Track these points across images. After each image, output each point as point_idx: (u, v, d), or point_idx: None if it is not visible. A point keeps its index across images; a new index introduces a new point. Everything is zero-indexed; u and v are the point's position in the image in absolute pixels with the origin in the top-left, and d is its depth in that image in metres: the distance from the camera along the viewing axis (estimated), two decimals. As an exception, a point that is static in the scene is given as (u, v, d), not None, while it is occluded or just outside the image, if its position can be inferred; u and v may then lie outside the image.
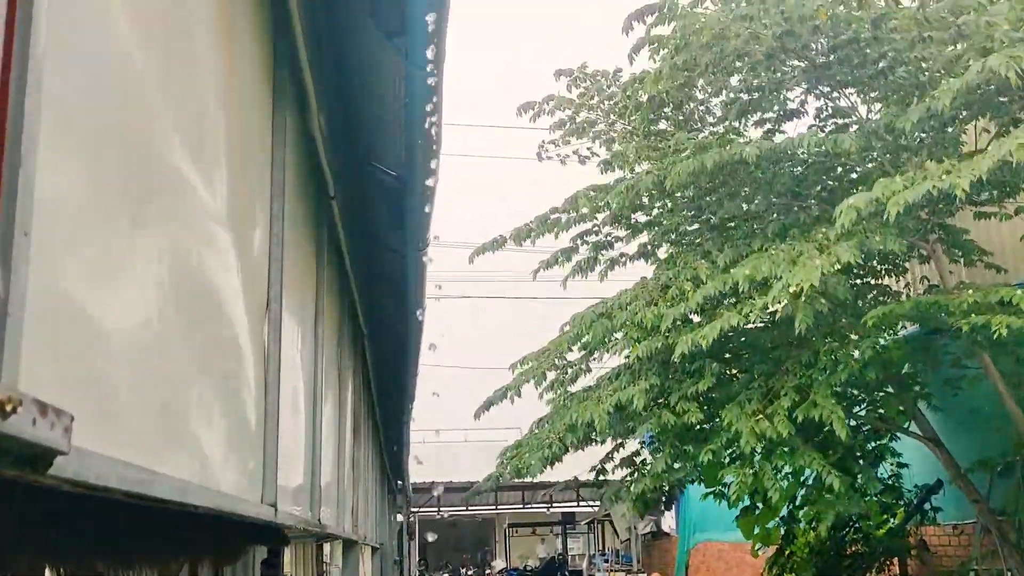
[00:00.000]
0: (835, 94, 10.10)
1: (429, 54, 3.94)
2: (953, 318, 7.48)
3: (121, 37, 1.80)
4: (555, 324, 11.63)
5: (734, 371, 10.39)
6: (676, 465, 9.93)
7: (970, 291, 7.62)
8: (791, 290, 7.00)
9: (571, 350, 10.91)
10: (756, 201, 10.28)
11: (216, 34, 2.76)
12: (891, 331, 9.38)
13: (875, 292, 10.63)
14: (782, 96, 10.13)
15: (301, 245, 4.48)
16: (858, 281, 10.52)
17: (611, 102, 11.78)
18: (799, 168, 9.85)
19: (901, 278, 11.24)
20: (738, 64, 9.44)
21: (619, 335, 10.29)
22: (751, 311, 7.81)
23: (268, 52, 3.68)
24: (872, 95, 9.95)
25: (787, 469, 9.60)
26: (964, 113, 8.66)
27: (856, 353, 8.22)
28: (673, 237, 11.54)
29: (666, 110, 10.83)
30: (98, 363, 1.61)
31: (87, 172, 1.60)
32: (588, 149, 11.94)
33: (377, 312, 8.44)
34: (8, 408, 0.94)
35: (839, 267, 7.06)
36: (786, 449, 8.55)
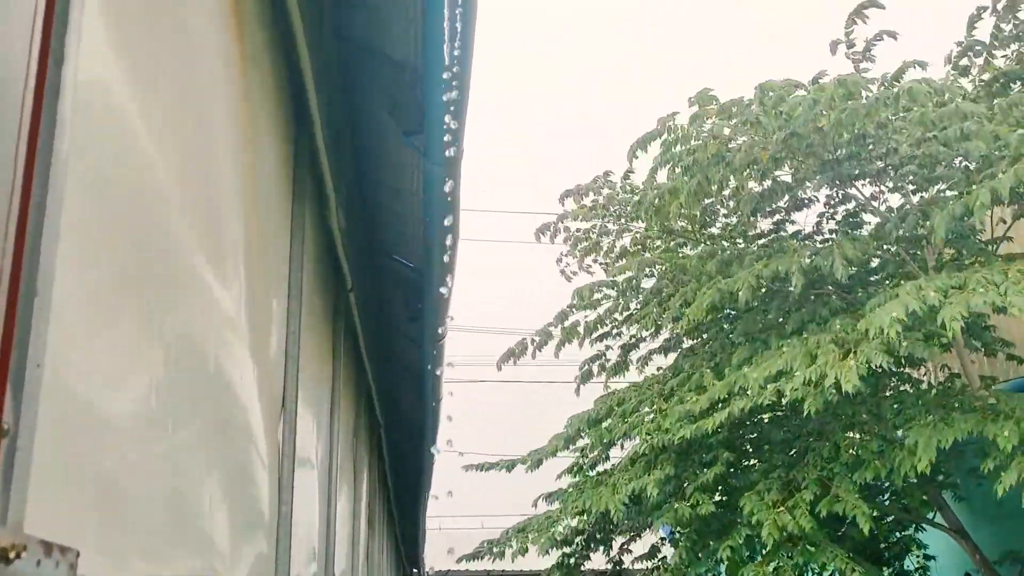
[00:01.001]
0: (847, 185, 10.17)
1: (447, 152, 3.99)
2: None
3: (140, 141, 1.82)
4: (572, 408, 11.60)
5: (751, 460, 10.28)
6: (698, 558, 9.71)
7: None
8: (826, 384, 7.02)
9: (578, 440, 10.90)
10: (772, 304, 10.28)
11: (237, 133, 2.79)
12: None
13: (895, 381, 10.49)
14: (792, 192, 10.24)
15: (317, 340, 4.47)
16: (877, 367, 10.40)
17: (623, 207, 11.96)
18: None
19: (921, 366, 11.11)
20: (748, 170, 9.58)
21: (625, 428, 10.34)
22: (762, 397, 7.74)
23: (288, 149, 3.73)
24: (887, 186, 10.03)
25: (811, 566, 9.36)
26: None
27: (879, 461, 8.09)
28: (693, 334, 11.56)
29: (680, 210, 10.93)
30: (109, 483, 1.58)
31: (104, 286, 1.60)
32: (599, 262, 12.11)
33: (393, 402, 8.39)
34: (12, 555, 0.91)
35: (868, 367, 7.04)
36: (809, 545, 8.34)
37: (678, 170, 9.66)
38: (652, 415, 9.54)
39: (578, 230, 12.10)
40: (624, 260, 11.56)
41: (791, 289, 9.88)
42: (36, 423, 1.15)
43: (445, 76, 3.63)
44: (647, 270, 11.39)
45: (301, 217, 3.82)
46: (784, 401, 8.07)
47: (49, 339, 1.21)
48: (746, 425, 9.20)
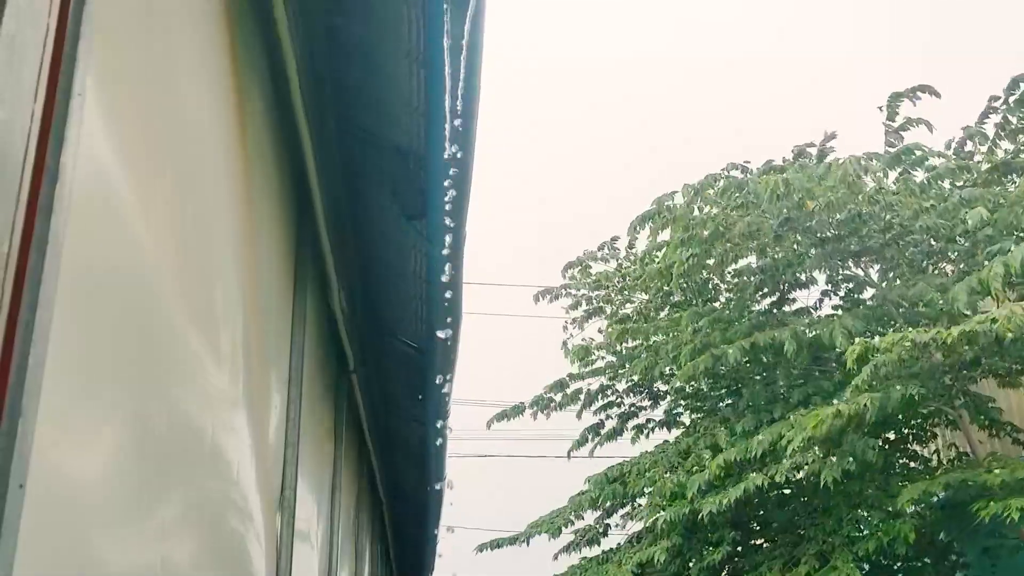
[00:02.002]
0: (848, 264, 10.24)
1: (448, 237, 4.00)
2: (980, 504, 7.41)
3: (139, 226, 1.81)
4: (572, 483, 11.54)
5: (758, 540, 10.25)
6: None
7: (997, 470, 7.52)
8: (810, 432, 7.11)
9: (583, 516, 10.85)
10: (776, 373, 10.32)
11: (238, 219, 2.80)
12: (924, 501, 9.19)
13: (904, 459, 10.41)
14: (793, 269, 10.34)
15: (318, 423, 4.43)
16: (885, 445, 10.34)
17: (625, 279, 12.08)
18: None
19: (930, 443, 11.02)
20: (749, 238, 9.70)
21: (643, 500, 10.29)
22: (777, 472, 7.76)
23: (290, 234, 3.74)
24: (887, 262, 10.09)
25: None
26: None
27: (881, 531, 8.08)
28: (695, 404, 11.59)
29: (681, 282, 11.02)
30: (99, 572, 1.54)
31: (98, 372, 1.58)
32: (601, 330, 12.18)
33: (396, 480, 8.30)
34: None
35: (862, 414, 7.15)
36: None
37: (677, 249, 9.81)
38: (670, 473, 9.59)
39: (583, 296, 12.21)
40: (626, 325, 11.63)
41: (793, 363, 9.92)
42: (22, 511, 1.13)
43: (447, 162, 3.66)
44: (646, 339, 11.46)
45: (303, 301, 3.82)
46: (801, 473, 8.10)
47: (38, 429, 1.19)
48: (752, 503, 9.13)
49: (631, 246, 11.98)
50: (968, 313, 8.42)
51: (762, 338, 8.64)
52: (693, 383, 10.12)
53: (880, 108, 9.99)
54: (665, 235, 10.51)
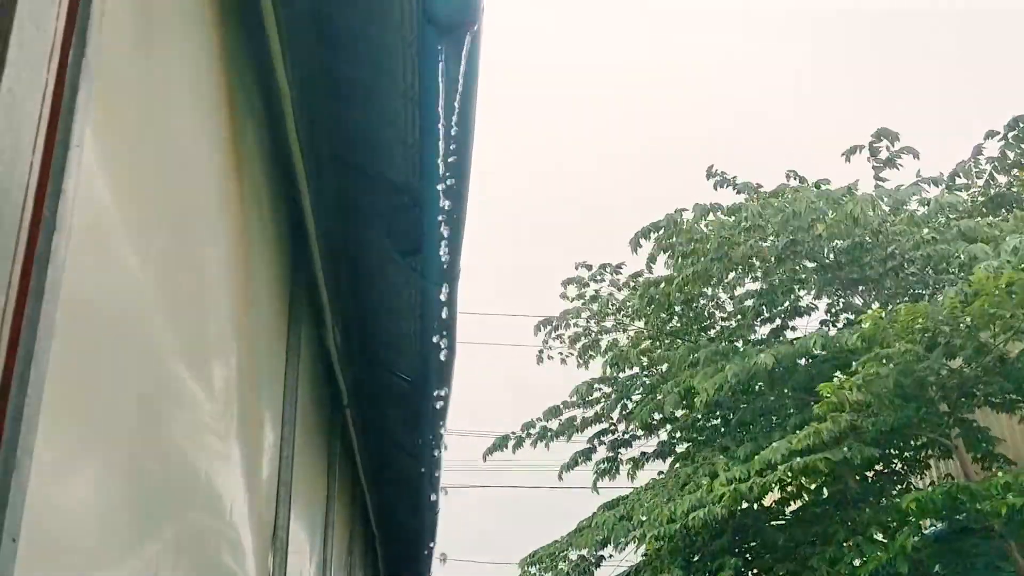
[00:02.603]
0: (848, 292, 10.29)
1: (443, 273, 4.01)
2: (984, 505, 7.45)
3: (135, 263, 1.81)
4: (566, 513, 11.51)
5: (759, 568, 10.25)
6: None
7: (1000, 473, 7.64)
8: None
9: (583, 552, 10.84)
10: (772, 398, 10.36)
11: (233, 260, 2.80)
12: (919, 532, 9.16)
13: (901, 488, 10.40)
14: (793, 295, 10.42)
15: (312, 460, 4.41)
16: (881, 473, 10.36)
17: (622, 303, 12.12)
18: (813, 368, 9.94)
19: (925, 474, 11.02)
20: (750, 265, 9.77)
21: (638, 532, 10.31)
22: (768, 483, 7.85)
23: (285, 273, 3.74)
24: (885, 292, 10.16)
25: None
26: None
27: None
28: (692, 435, 11.59)
29: (677, 308, 11.06)
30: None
31: (91, 415, 1.57)
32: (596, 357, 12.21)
33: (390, 513, 8.25)
34: None
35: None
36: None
37: (678, 259, 9.87)
38: (669, 500, 9.64)
39: (577, 326, 12.24)
40: (623, 352, 11.67)
41: (789, 393, 9.96)
42: (14, 566, 1.12)
43: (441, 199, 3.68)
44: (643, 369, 11.50)
45: (297, 338, 3.81)
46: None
47: (32, 479, 1.19)
48: (750, 529, 9.15)
49: (618, 271, 12.01)
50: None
51: (764, 358, 8.69)
52: (690, 411, 10.15)
53: (856, 149, 10.09)
54: (662, 259, 10.59)
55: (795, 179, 10.75)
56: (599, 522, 10.57)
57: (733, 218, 9.48)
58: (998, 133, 9.89)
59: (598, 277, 12.42)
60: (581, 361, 12.21)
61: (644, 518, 9.85)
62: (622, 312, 12.11)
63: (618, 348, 11.84)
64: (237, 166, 2.83)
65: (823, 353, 9.07)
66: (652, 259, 10.68)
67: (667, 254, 10.29)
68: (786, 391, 10.07)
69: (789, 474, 7.71)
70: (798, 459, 7.66)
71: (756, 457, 8.19)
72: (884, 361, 7.43)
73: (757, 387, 10.11)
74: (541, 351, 12.32)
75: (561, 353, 12.33)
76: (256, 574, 3.03)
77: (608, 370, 11.65)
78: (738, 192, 10.20)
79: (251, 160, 3.05)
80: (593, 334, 12.21)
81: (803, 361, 9.80)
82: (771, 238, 9.15)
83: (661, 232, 10.04)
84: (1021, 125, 9.63)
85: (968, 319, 7.16)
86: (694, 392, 9.15)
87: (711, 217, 9.79)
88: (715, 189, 10.26)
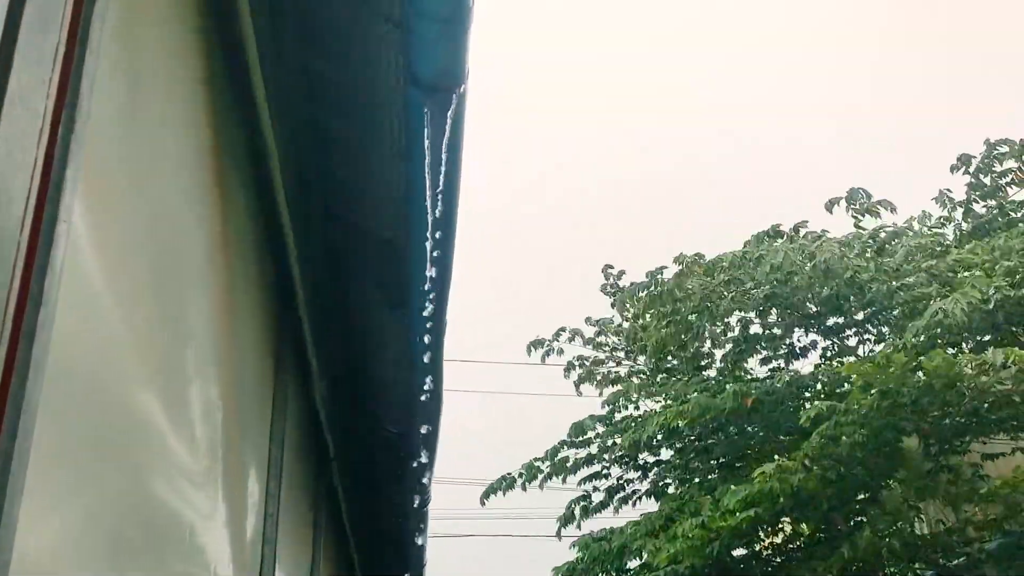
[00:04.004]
0: (837, 336, 10.39)
1: (430, 326, 4.02)
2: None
3: (119, 317, 1.81)
4: (557, 561, 11.43)
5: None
6: None
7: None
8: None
9: None
10: (754, 439, 10.41)
11: (219, 316, 2.80)
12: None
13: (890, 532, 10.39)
14: (786, 340, 10.52)
15: (297, 515, 4.37)
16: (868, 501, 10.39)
17: (616, 345, 12.17)
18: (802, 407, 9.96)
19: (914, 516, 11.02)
20: (734, 314, 9.88)
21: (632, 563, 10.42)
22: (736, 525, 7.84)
23: (271, 327, 3.74)
24: (872, 336, 10.27)
25: None
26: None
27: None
28: (681, 475, 11.61)
29: (672, 348, 11.12)
30: None
31: (73, 468, 1.57)
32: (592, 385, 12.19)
33: (376, 566, 8.16)
34: None
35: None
36: None
37: (659, 320, 9.97)
38: (653, 538, 9.66)
39: (576, 357, 12.25)
40: (619, 387, 11.71)
41: (781, 436, 9.97)
42: None
43: (429, 253, 3.70)
44: (636, 407, 11.53)
45: (283, 392, 3.80)
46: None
47: (17, 540, 1.18)
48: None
49: (621, 313, 12.04)
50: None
51: (744, 388, 8.76)
52: (677, 445, 10.17)
53: (836, 201, 10.25)
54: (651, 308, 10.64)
55: (780, 233, 10.88)
56: (579, 547, 10.68)
57: (711, 278, 9.61)
58: (960, 167, 10.11)
59: (590, 324, 12.47)
60: (576, 383, 12.18)
61: (626, 543, 9.98)
62: (615, 348, 12.17)
63: (614, 376, 11.89)
64: (224, 224, 2.84)
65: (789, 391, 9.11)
66: (636, 318, 10.84)
67: (650, 314, 10.40)
68: (780, 435, 10.11)
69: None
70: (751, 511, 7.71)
71: (717, 503, 8.22)
72: (841, 425, 7.51)
73: (731, 428, 10.16)
74: (547, 352, 12.22)
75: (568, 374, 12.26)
76: (240, 636, 3.00)
77: (603, 406, 11.68)
78: (709, 275, 10.28)
79: (238, 218, 3.06)
80: (587, 365, 12.23)
81: (791, 403, 9.82)
82: (752, 291, 9.25)
83: (644, 293, 10.19)
84: (993, 151, 9.78)
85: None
86: (674, 426, 9.27)
87: (690, 282, 9.89)
88: (676, 263, 10.36)
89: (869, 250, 10.00)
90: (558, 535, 11.90)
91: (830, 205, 10.20)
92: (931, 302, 8.23)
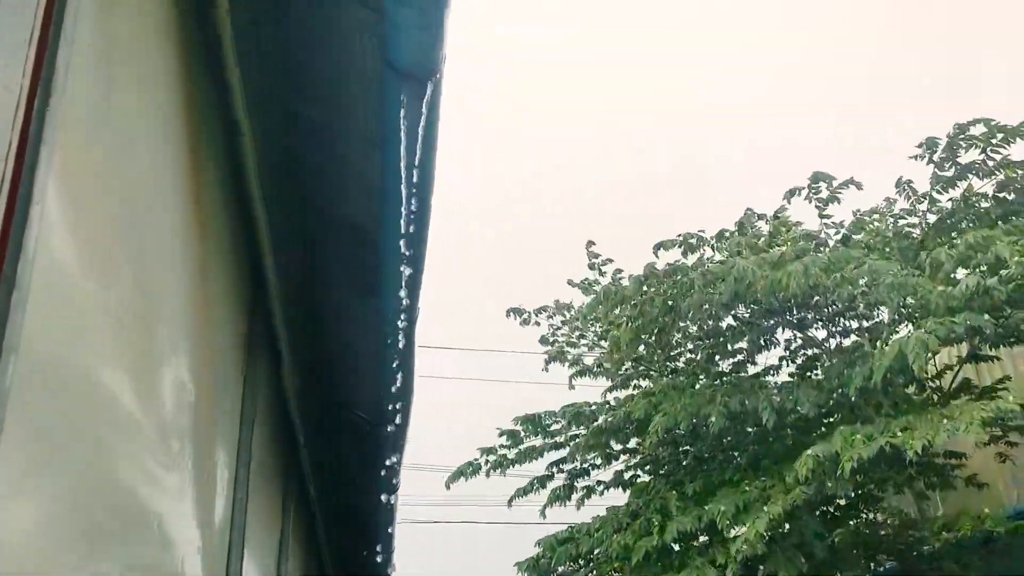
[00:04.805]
0: (802, 329, 10.43)
1: (403, 314, 4.02)
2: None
3: (90, 302, 1.81)
4: (524, 549, 11.45)
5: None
6: None
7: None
8: (757, 531, 7.21)
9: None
10: (728, 438, 10.42)
11: (190, 303, 2.80)
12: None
13: (854, 525, 10.51)
14: (749, 335, 10.52)
15: (266, 500, 4.37)
16: (835, 513, 10.45)
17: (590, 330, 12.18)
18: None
19: (876, 508, 11.15)
20: (701, 311, 9.87)
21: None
22: (729, 562, 7.78)
23: (243, 315, 3.74)
24: (837, 329, 10.32)
25: None
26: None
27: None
28: (648, 468, 11.62)
29: (644, 336, 11.09)
30: None
31: (42, 449, 1.57)
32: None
33: (344, 552, 8.17)
34: None
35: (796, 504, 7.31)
36: None
37: (626, 322, 9.96)
38: (618, 534, 9.63)
39: (550, 325, 12.26)
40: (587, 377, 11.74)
41: (748, 429, 10.04)
42: None
43: (402, 242, 3.70)
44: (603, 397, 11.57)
45: (254, 378, 3.80)
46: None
47: None
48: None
49: (583, 322, 12.08)
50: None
51: (734, 403, 8.71)
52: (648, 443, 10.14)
53: (796, 191, 10.27)
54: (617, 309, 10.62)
55: (756, 217, 10.90)
56: (543, 547, 10.63)
57: (675, 278, 9.61)
58: (923, 157, 9.93)
59: (553, 312, 12.46)
60: (547, 360, 12.20)
61: (597, 550, 9.93)
62: (591, 332, 12.17)
63: (586, 372, 11.91)
64: (197, 210, 2.84)
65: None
66: (602, 336, 10.87)
67: (617, 314, 10.39)
68: (747, 428, 10.14)
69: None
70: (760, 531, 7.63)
71: (717, 510, 8.16)
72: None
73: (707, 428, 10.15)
74: (524, 321, 12.18)
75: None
76: (207, 620, 3.00)
77: (569, 416, 11.66)
78: (685, 254, 10.28)
79: (211, 204, 3.06)
80: (561, 343, 12.23)
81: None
82: (714, 295, 9.27)
83: (608, 302, 10.16)
84: (938, 144, 9.71)
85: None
86: (645, 424, 9.19)
87: (648, 286, 9.88)
88: (656, 253, 10.35)
89: (832, 240, 10.06)
90: (509, 504, 11.91)
91: (790, 195, 10.20)
92: (895, 296, 8.29)
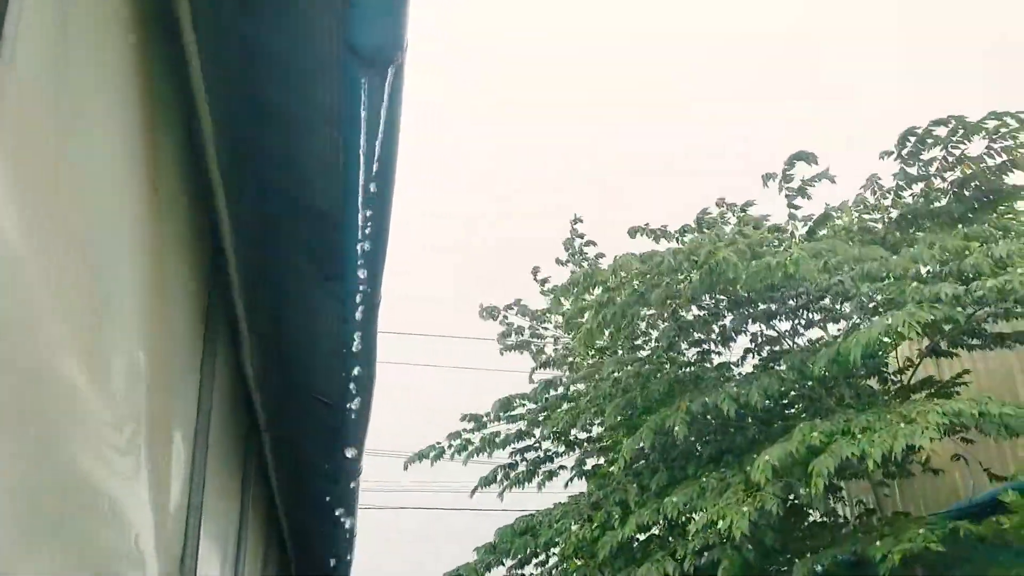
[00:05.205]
0: (768, 322, 10.51)
1: (364, 298, 4.01)
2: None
3: (39, 278, 1.80)
4: (485, 535, 11.48)
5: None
6: None
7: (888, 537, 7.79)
8: (721, 527, 7.20)
9: (489, 570, 10.87)
10: (691, 437, 10.46)
11: (145, 282, 2.78)
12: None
13: (810, 522, 10.62)
14: (715, 325, 10.58)
15: (225, 484, 4.35)
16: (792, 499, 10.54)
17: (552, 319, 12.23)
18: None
19: (836, 496, 11.28)
20: (666, 305, 9.92)
21: (555, 550, 10.42)
22: (686, 555, 7.84)
23: (202, 297, 3.71)
24: (802, 321, 10.41)
25: None
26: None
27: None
28: (611, 456, 11.68)
29: (609, 328, 11.12)
30: None
31: None
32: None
33: (305, 536, 8.15)
34: None
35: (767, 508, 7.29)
36: None
37: (596, 309, 9.96)
38: (578, 526, 9.68)
39: (511, 324, 12.32)
40: (549, 368, 11.80)
41: (710, 418, 10.10)
42: None
43: (364, 226, 3.69)
44: (567, 389, 11.62)
45: (212, 361, 3.78)
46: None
47: None
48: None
49: (552, 311, 12.11)
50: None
51: (695, 406, 8.74)
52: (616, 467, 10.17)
53: (771, 176, 10.32)
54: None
55: (724, 207, 10.94)
56: (502, 535, 10.65)
57: (647, 264, 9.62)
58: (892, 152, 10.05)
59: (518, 311, 12.56)
60: (502, 350, 12.24)
61: (558, 540, 9.97)
62: (555, 324, 12.24)
63: (546, 359, 11.97)
64: (154, 190, 2.81)
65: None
66: (573, 318, 10.87)
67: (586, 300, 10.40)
68: (708, 427, 10.21)
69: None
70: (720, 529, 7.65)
71: (671, 501, 8.21)
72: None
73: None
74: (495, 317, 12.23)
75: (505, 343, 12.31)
76: (161, 602, 2.99)
77: (538, 391, 11.70)
78: (656, 240, 10.34)
79: (169, 184, 3.03)
80: (524, 335, 12.30)
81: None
82: (688, 280, 9.30)
83: (577, 288, 10.17)
84: (911, 140, 9.80)
85: None
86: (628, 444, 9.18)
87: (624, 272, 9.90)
88: (631, 237, 10.39)
89: (798, 234, 10.14)
90: (471, 494, 11.93)
91: (766, 179, 10.23)
92: (861, 291, 8.38)
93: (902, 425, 6.98)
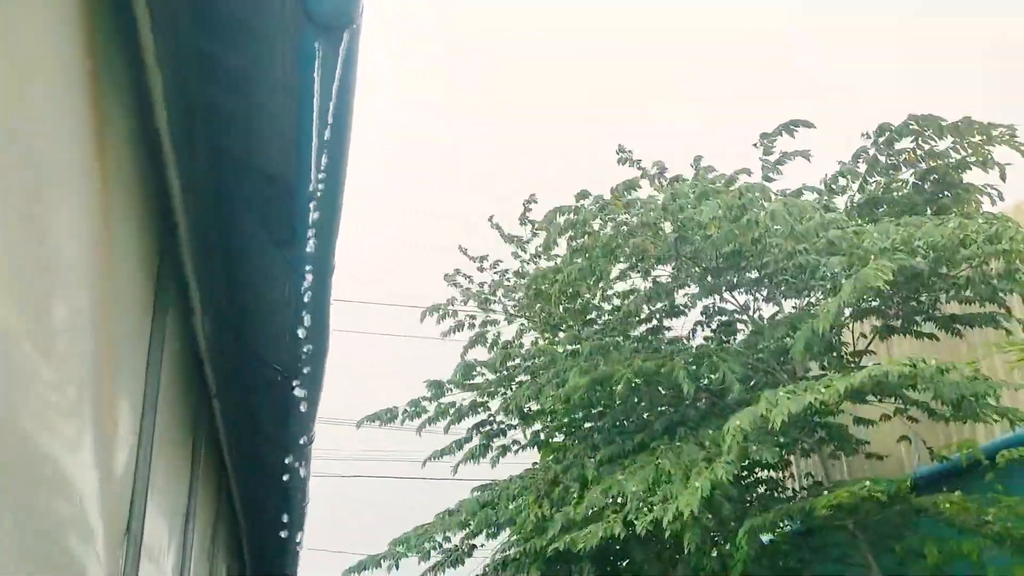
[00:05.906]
0: (725, 294, 10.64)
1: (317, 264, 3.99)
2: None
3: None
4: (441, 503, 11.53)
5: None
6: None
7: (840, 490, 7.99)
8: (679, 509, 7.31)
9: (450, 538, 10.94)
10: (642, 402, 10.57)
11: (91, 244, 2.74)
12: (778, 527, 9.55)
13: (764, 488, 10.82)
14: (673, 294, 10.66)
15: (174, 450, 4.32)
16: (745, 474, 10.70)
17: (509, 294, 12.18)
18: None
19: (786, 472, 11.49)
20: (635, 263, 9.95)
21: (505, 533, 10.51)
22: (641, 523, 7.92)
23: (152, 260, 3.66)
24: (761, 295, 10.55)
25: None
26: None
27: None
28: (568, 429, 11.76)
29: (562, 302, 11.12)
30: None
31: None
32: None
33: (256, 503, 8.13)
34: None
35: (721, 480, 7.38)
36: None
37: (570, 253, 9.92)
38: (538, 499, 9.76)
39: (465, 315, 12.23)
40: (507, 350, 11.79)
41: (662, 390, 10.20)
42: None
43: (317, 192, 3.66)
44: (523, 357, 11.64)
45: (161, 326, 3.74)
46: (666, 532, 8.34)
47: None
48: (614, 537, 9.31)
49: (534, 233, 11.82)
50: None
51: (648, 366, 8.79)
52: (565, 405, 10.17)
53: (755, 145, 10.46)
54: (561, 246, 10.52)
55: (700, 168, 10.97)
56: (465, 506, 10.68)
57: (627, 214, 9.59)
58: (869, 138, 10.31)
59: (481, 268, 12.42)
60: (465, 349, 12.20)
61: (512, 516, 10.02)
62: (510, 303, 12.17)
63: (503, 344, 11.93)
64: (101, 149, 2.76)
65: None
66: (548, 247, 10.70)
67: (567, 237, 10.21)
68: (659, 396, 10.31)
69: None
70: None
71: (630, 490, 8.27)
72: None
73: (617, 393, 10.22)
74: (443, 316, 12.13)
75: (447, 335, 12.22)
76: (106, 565, 2.97)
77: (495, 363, 11.69)
78: (642, 176, 10.33)
79: (117, 144, 2.98)
80: (477, 325, 12.23)
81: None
82: (663, 232, 9.33)
83: (565, 218, 10.00)
84: (888, 133, 10.06)
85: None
86: (569, 386, 9.23)
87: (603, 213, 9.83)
88: (620, 164, 10.36)
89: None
90: (423, 464, 11.96)
91: (764, 136, 10.35)
92: (824, 268, 8.50)
93: (822, 389, 7.14)
